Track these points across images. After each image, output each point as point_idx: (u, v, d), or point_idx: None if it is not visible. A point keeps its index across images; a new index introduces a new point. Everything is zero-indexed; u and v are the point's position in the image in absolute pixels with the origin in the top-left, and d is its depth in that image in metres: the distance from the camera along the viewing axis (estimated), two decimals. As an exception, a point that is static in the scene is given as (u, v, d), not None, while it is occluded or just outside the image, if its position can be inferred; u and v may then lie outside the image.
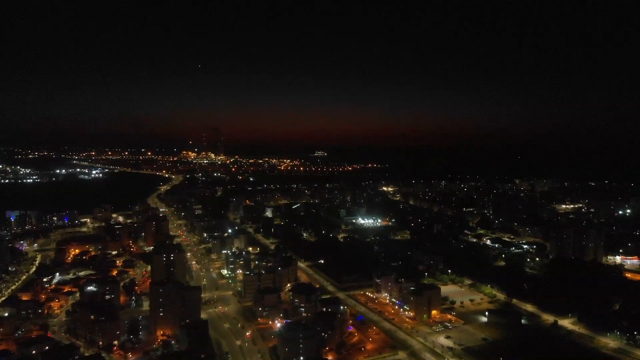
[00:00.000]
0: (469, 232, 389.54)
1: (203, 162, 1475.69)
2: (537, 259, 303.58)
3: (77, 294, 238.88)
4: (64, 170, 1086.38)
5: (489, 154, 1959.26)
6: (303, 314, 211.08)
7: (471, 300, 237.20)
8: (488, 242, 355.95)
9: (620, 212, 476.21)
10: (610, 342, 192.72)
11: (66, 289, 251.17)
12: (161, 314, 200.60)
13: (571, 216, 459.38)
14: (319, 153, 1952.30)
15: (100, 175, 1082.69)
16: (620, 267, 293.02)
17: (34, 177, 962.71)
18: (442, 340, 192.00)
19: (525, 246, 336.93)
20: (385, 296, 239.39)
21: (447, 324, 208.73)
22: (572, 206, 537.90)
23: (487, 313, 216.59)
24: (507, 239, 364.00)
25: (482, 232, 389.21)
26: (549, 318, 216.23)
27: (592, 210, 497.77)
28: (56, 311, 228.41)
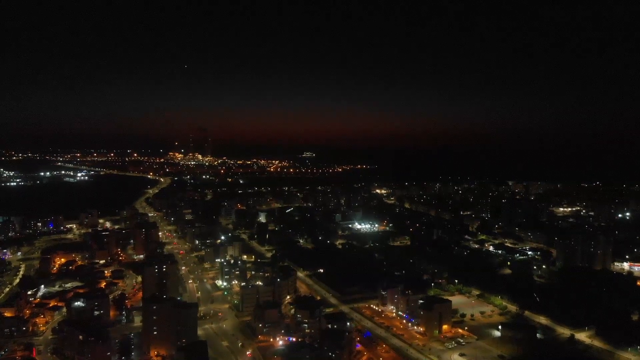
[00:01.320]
0: (469, 238, 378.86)
1: (190, 164, 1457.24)
2: (544, 266, 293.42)
3: (64, 310, 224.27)
4: (48, 173, 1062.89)
5: (479, 155, 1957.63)
6: (306, 330, 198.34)
7: (481, 313, 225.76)
8: (491, 248, 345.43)
9: (620, 216, 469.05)
10: (631, 357, 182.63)
11: (52, 304, 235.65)
12: (155, 332, 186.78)
13: (570, 220, 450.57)
14: (307, 154, 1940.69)
15: (86, 177, 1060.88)
16: (632, 275, 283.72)
17: (18, 180, 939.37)
18: (456, 358, 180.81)
19: (529, 253, 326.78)
20: (391, 309, 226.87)
21: (459, 339, 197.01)
22: (569, 209, 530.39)
23: (500, 327, 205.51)
24: (509, 245, 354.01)
25: (483, 237, 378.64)
26: (564, 331, 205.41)
27: (591, 213, 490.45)
28: (41, 328, 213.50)
